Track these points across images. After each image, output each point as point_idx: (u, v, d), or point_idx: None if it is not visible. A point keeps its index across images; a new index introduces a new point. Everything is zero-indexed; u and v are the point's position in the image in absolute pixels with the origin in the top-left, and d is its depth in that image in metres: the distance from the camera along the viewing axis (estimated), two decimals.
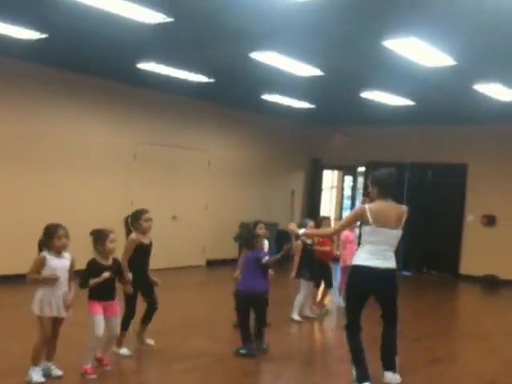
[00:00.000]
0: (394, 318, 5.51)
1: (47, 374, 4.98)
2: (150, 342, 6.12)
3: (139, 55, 8.64)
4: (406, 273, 13.95)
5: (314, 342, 7.48)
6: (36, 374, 4.82)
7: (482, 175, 13.14)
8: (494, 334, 8.01)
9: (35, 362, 4.86)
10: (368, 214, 5.15)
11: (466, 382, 5.73)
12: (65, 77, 10.08)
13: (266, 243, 7.40)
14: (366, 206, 5.23)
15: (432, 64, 7.78)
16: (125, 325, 5.81)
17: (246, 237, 6.77)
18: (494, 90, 9.39)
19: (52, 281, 4.85)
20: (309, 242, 7.96)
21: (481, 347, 7.18)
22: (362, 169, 15.23)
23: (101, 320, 5.18)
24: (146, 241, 5.96)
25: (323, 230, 7.26)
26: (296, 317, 7.86)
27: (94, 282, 5.15)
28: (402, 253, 13.92)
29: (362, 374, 5.20)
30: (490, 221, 12.98)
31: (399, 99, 10.71)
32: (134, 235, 5.89)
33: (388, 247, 5.24)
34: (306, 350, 6.80)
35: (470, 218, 13.32)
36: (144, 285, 5.96)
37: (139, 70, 9.33)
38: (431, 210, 13.66)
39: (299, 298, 7.92)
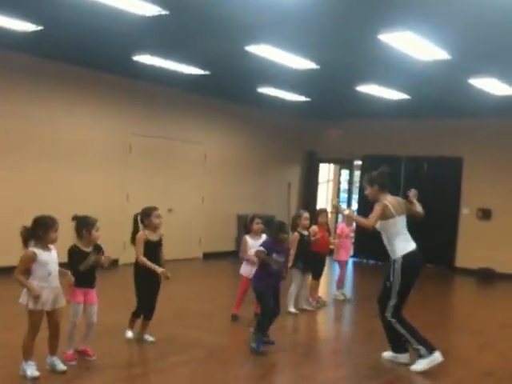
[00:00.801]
0: None
1: (52, 369, 4.98)
2: (149, 337, 6.13)
3: (135, 47, 8.62)
4: None
5: (310, 335, 7.49)
6: (30, 369, 4.78)
7: (477, 169, 13.18)
8: (489, 327, 8.04)
9: (27, 357, 4.81)
10: (391, 208, 5.67)
11: (461, 374, 5.74)
12: (60, 69, 10.07)
13: (263, 237, 7.40)
14: (386, 202, 5.70)
15: (427, 58, 7.79)
16: (137, 313, 6.01)
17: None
18: (488, 84, 9.40)
19: (35, 296, 4.73)
20: (306, 233, 7.95)
21: (476, 340, 7.20)
22: (358, 162, 15.24)
23: (81, 308, 5.25)
24: (154, 238, 5.98)
25: (365, 220, 6.41)
26: (292, 309, 7.88)
27: (85, 266, 5.15)
28: None
29: (430, 344, 5.66)
30: (485, 214, 13.02)
31: (394, 93, 10.72)
32: (141, 232, 5.93)
33: (407, 230, 5.81)
34: (302, 343, 6.82)
35: (466, 212, 13.36)
36: (149, 283, 5.95)
37: (135, 62, 9.32)
38: (427, 203, 13.64)
39: (292, 290, 7.94)
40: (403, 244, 5.68)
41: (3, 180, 9.43)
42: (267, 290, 6.09)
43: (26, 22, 7.42)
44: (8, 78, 9.46)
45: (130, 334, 6.05)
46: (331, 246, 8.99)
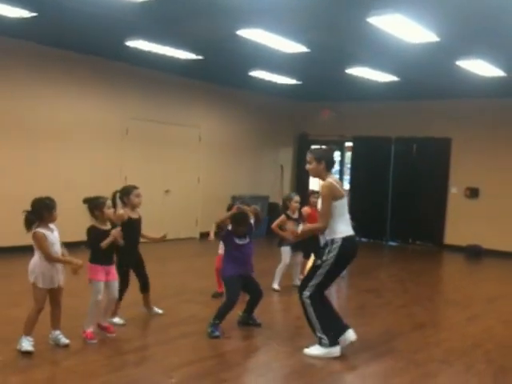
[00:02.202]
0: None
1: (56, 343, 5.14)
2: (158, 310, 6.39)
3: (127, 32, 8.70)
4: (392, 243, 14.29)
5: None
6: (26, 343, 4.91)
7: (465, 149, 13.40)
8: (476, 301, 8.27)
9: (27, 332, 4.94)
10: (339, 188, 5.41)
11: (449, 345, 5.94)
12: (55, 54, 10.17)
13: None
14: (331, 181, 5.42)
15: (416, 40, 7.87)
16: (119, 295, 5.95)
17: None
18: (476, 66, 9.54)
19: (77, 267, 4.97)
20: (294, 216, 7.95)
21: (464, 313, 7.41)
22: (349, 144, 15.42)
23: (102, 286, 5.40)
24: (134, 215, 6.04)
25: (314, 226, 6.11)
26: (276, 286, 8.04)
27: (106, 242, 5.32)
28: (389, 224, 14.33)
29: (335, 337, 5.34)
30: (473, 193, 13.27)
31: (384, 75, 10.85)
32: (122, 211, 5.93)
33: (348, 214, 5.51)
34: (295, 317, 6.97)
35: (454, 191, 13.61)
36: (134, 260, 6.10)
37: (128, 47, 9.41)
38: (416, 182, 13.94)
39: (280, 268, 8.13)
40: (344, 226, 5.35)
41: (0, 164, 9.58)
42: (236, 279, 5.98)
43: (20, 8, 7.50)
44: (4, 64, 9.55)
45: (116, 319, 5.97)
46: None
